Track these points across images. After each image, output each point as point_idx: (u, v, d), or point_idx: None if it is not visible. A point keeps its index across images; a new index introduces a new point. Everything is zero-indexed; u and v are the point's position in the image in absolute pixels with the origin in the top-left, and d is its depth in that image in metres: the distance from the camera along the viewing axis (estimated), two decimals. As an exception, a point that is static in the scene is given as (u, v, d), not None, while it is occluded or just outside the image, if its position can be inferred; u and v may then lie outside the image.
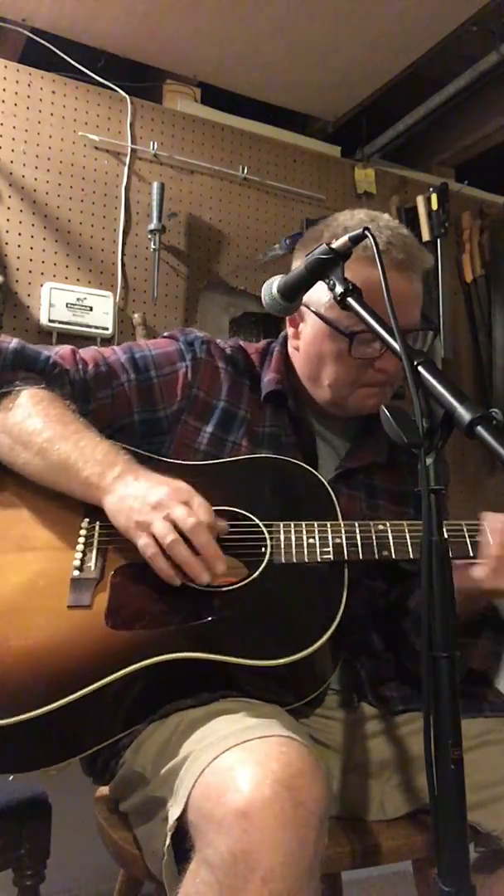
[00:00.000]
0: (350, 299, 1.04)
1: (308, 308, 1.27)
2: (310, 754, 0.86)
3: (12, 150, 2.06)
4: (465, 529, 1.11)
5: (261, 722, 0.92)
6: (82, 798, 1.08)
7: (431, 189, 2.51)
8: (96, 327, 2.05)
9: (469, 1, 1.97)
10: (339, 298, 1.05)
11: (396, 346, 0.93)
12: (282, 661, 1.00)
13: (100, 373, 1.26)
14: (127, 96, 2.20)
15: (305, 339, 1.30)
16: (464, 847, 0.79)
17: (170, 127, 2.27)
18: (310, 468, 1.21)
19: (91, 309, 2.04)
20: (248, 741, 0.86)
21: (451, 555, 1.05)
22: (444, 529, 1.05)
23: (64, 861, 1.56)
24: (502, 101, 2.44)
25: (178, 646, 1.01)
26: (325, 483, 1.19)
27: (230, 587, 1.07)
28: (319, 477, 1.20)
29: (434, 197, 2.49)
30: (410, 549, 1.10)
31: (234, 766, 0.83)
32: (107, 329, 2.06)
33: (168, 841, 0.87)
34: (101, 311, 2.05)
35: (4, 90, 2.06)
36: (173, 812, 0.87)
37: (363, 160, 2.59)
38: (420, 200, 2.51)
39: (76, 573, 1.09)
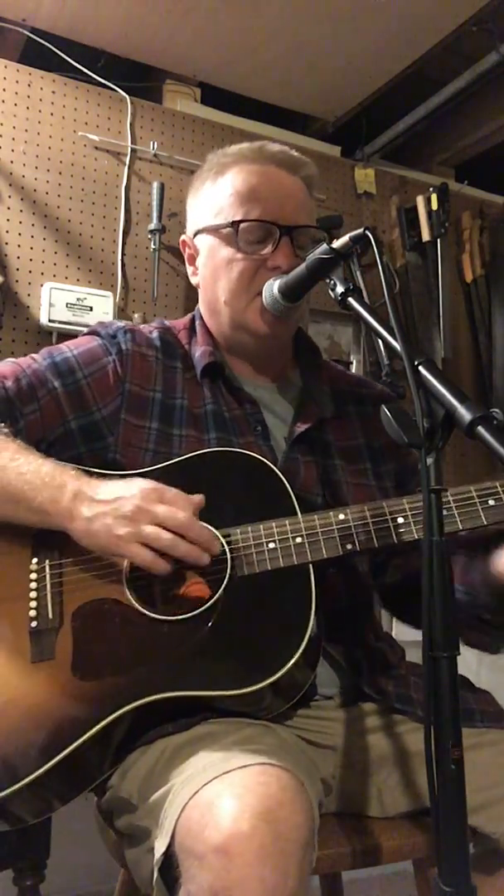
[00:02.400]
0: (350, 299, 1.04)
1: (198, 233, 1.30)
2: (291, 779, 0.86)
3: (12, 150, 2.06)
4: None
5: (242, 748, 0.91)
6: (82, 798, 1.08)
7: (431, 189, 2.51)
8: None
9: (469, 1, 1.97)
10: (339, 299, 1.05)
11: (397, 345, 0.93)
12: (259, 685, 0.98)
13: (21, 387, 1.18)
14: (127, 96, 2.20)
15: (202, 265, 1.30)
16: (464, 847, 0.79)
17: (170, 127, 2.27)
18: (259, 457, 1.13)
19: (91, 309, 2.03)
20: (227, 773, 0.85)
21: (396, 541, 1.05)
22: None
23: (64, 861, 1.56)
24: (502, 101, 2.45)
25: (152, 688, 0.99)
26: (278, 472, 1.11)
27: (194, 613, 1.03)
28: (271, 466, 1.12)
29: (434, 197, 2.49)
30: (375, 539, 1.05)
31: (213, 800, 0.83)
32: (107, 329, 2.05)
33: (156, 874, 0.87)
34: (101, 311, 2.05)
35: (4, 90, 2.06)
36: (159, 846, 0.87)
37: (363, 160, 2.59)
38: (420, 200, 2.51)
39: (34, 624, 1.06)
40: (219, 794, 0.83)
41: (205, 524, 1.04)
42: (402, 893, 2.08)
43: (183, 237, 1.36)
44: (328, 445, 1.27)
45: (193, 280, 1.34)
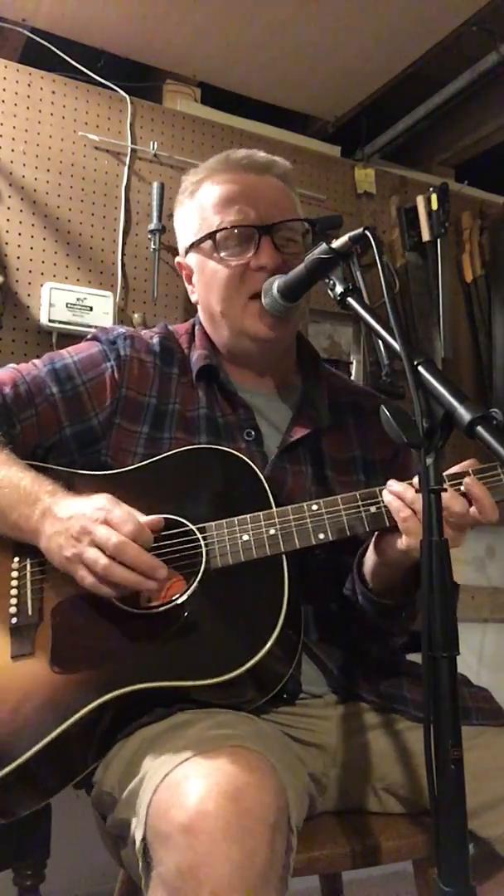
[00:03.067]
0: (349, 299, 1.04)
1: (188, 253, 1.32)
2: (261, 761, 0.86)
3: (12, 150, 2.05)
4: (359, 501, 1.08)
5: (215, 733, 0.92)
6: (82, 798, 1.08)
7: (431, 189, 2.51)
8: (96, 327, 2.04)
9: (469, 1, 1.97)
10: (338, 299, 1.05)
11: (396, 345, 0.93)
12: (233, 674, 0.99)
13: (19, 393, 1.20)
14: (127, 96, 2.19)
15: (197, 283, 1.32)
16: (464, 847, 0.79)
17: (170, 127, 2.27)
18: (237, 454, 1.15)
19: (91, 309, 2.03)
20: (197, 755, 0.86)
21: (368, 529, 1.07)
22: (349, 504, 1.08)
23: (64, 861, 1.56)
24: (502, 101, 2.44)
25: (129, 680, 1.00)
26: (254, 468, 1.13)
27: (168, 605, 1.05)
28: (248, 462, 1.14)
29: (434, 197, 2.49)
30: (347, 527, 1.07)
31: (180, 781, 0.83)
32: (107, 329, 2.05)
33: (141, 862, 0.87)
34: (101, 311, 2.04)
35: (4, 90, 2.06)
36: (138, 834, 0.87)
37: (363, 160, 2.59)
38: (420, 200, 2.51)
39: (14, 620, 1.07)
40: (186, 776, 0.84)
41: (145, 554, 1.02)
42: (402, 893, 2.08)
43: (177, 259, 1.37)
44: (322, 456, 1.28)
45: (193, 298, 1.35)
